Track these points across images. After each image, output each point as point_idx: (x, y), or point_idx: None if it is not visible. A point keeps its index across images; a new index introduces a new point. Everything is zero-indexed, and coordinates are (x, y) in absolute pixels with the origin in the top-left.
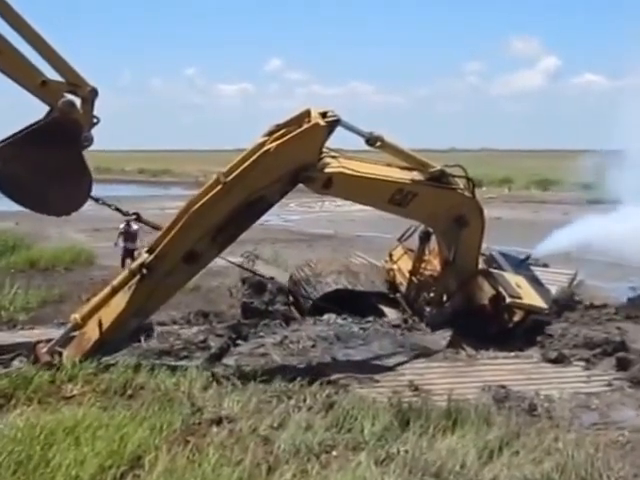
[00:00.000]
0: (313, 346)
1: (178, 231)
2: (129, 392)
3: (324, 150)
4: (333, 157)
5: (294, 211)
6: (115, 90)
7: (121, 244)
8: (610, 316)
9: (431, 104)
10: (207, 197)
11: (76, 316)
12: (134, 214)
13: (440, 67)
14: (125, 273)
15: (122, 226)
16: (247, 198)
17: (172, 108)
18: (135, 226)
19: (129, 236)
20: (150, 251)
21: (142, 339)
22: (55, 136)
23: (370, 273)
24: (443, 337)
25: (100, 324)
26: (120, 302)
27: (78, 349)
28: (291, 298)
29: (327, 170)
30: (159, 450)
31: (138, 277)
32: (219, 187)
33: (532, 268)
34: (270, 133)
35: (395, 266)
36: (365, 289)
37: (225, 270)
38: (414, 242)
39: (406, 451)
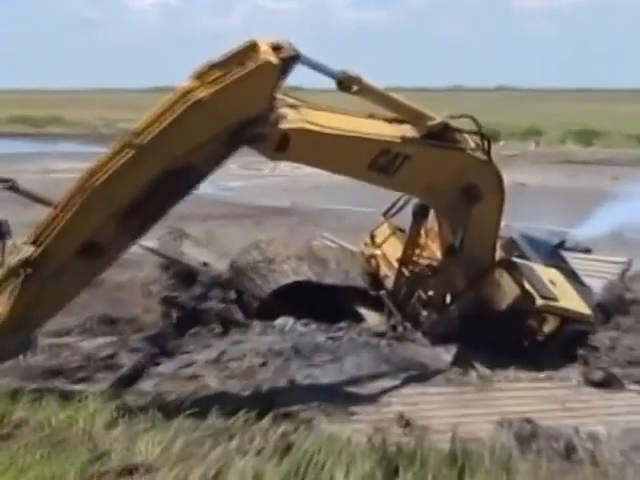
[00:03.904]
0: (263, 364)
1: (72, 215)
2: (5, 430)
3: (277, 97)
4: (291, 107)
5: (235, 175)
6: None
7: None
8: None
9: (428, 24)
10: (112, 167)
11: None
12: (6, 181)
13: None
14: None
15: None
16: (169, 167)
17: (59, 27)
18: None
19: None
20: (35, 242)
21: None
22: None
23: (343, 260)
24: (446, 351)
25: None
26: None
27: None
28: (232, 293)
29: (282, 126)
30: None
31: (20, 278)
32: (129, 152)
33: (570, 257)
34: (201, 75)
35: (378, 252)
36: (336, 282)
37: (139, 259)
38: (405, 219)
39: None
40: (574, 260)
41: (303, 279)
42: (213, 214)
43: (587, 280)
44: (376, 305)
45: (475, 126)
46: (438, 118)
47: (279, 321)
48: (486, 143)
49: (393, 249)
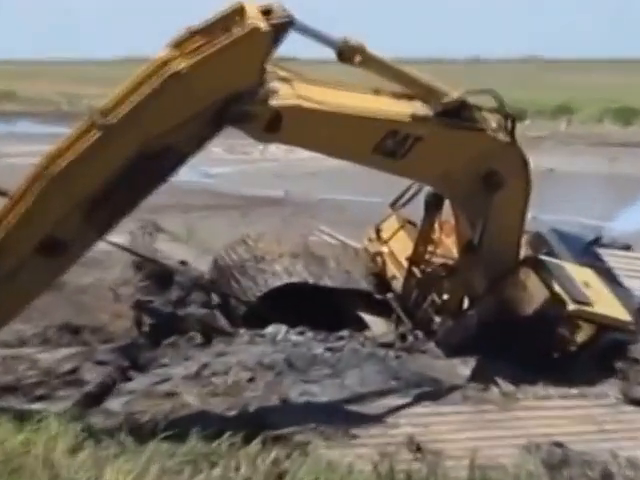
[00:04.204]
0: (251, 380)
1: (30, 206)
2: None
3: (268, 69)
4: (283, 81)
5: (219, 160)
6: None
7: None
8: None
9: None
10: (76, 151)
11: None
12: None
13: None
14: None
15: None
16: (142, 150)
17: None
18: None
19: None
20: None
21: None
22: None
23: (344, 259)
24: (463, 364)
25: None
26: None
27: None
28: (215, 297)
29: (273, 102)
30: None
31: None
32: (96, 133)
33: (607, 254)
34: (180, 44)
35: (385, 249)
36: (336, 284)
37: (106, 257)
38: (416, 211)
39: None
40: (612, 258)
41: (298, 280)
42: (193, 205)
43: (627, 281)
44: (382, 311)
45: (497, 103)
46: (454, 94)
47: (270, 329)
48: (510, 122)
49: (402, 246)
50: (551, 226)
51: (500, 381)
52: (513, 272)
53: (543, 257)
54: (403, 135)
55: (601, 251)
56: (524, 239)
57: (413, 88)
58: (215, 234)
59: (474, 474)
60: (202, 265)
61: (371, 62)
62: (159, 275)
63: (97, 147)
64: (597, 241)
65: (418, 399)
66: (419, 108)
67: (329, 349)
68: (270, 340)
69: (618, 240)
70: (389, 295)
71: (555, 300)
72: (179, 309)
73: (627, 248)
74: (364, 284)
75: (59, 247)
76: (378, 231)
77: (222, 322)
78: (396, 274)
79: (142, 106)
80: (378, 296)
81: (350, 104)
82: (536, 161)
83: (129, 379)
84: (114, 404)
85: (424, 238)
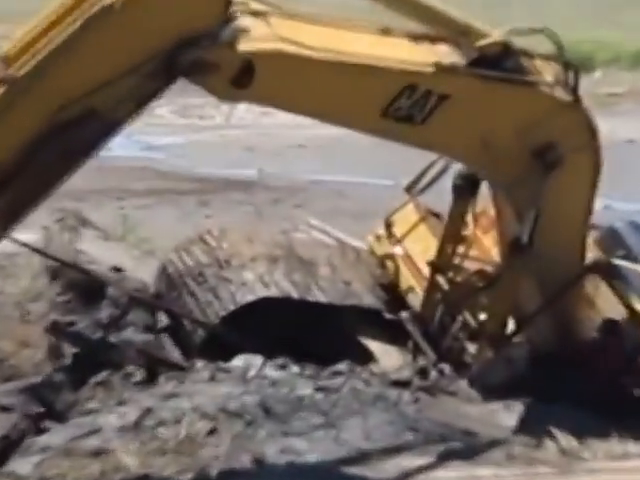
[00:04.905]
0: (212, 431)
1: None
2: None
3: (235, 0)
4: (256, 16)
5: (167, 127)
6: None
7: None
8: None
9: None
10: None
11: None
12: None
13: None
14: None
15: None
16: (60, 115)
17: None
18: None
19: None
20: None
21: None
22: None
23: (341, 264)
24: (507, 411)
25: None
26: None
27: None
28: (162, 317)
29: (243, 47)
30: None
31: None
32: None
33: None
34: None
35: (398, 250)
36: (330, 299)
37: (9, 261)
38: (441, 198)
39: None
40: None
41: (276, 294)
42: (131, 189)
43: None
44: (394, 336)
45: (554, 47)
46: (494, 34)
47: (238, 362)
48: (572, 74)
49: (422, 245)
50: (630, 218)
51: (558, 433)
52: (576, 282)
53: (618, 261)
54: (423, 92)
55: None
56: (592, 236)
57: (437, 26)
58: (161, 230)
59: None
60: (144, 273)
61: None
62: (84, 286)
63: None
64: None
65: (444, 459)
66: (445, 54)
67: (320, 389)
68: (239, 377)
69: None
70: (404, 314)
71: (634, 320)
72: (112, 334)
73: None
74: (369, 299)
75: None
76: (389, 225)
77: (172, 352)
78: (414, 285)
79: (59, 53)
80: (389, 315)
81: (350, 49)
82: (610, 128)
83: (42, 431)
84: (22, 465)
85: (452, 235)
